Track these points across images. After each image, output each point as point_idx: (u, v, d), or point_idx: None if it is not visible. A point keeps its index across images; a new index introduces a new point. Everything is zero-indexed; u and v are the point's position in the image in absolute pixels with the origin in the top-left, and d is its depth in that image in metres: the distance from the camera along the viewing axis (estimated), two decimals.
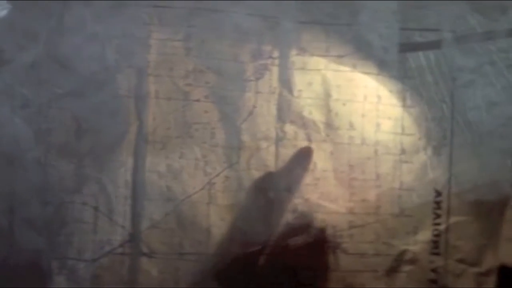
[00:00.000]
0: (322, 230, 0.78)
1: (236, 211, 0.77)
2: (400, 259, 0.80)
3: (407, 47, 0.79)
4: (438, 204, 0.80)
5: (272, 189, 0.78)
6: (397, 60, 0.80)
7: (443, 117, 0.80)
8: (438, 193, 0.80)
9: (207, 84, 0.77)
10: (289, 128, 0.79)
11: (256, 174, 0.78)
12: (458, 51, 0.80)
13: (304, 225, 0.78)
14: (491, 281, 0.80)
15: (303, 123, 0.78)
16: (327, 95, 0.79)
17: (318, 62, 0.79)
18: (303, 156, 0.78)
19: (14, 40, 0.74)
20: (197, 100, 0.77)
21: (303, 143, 0.79)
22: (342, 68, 0.79)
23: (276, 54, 0.78)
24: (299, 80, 0.79)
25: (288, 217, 0.78)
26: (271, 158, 0.78)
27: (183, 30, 0.77)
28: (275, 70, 0.78)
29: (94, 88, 0.75)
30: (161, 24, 0.76)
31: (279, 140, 0.78)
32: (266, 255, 0.77)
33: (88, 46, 0.75)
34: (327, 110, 0.79)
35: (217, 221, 0.77)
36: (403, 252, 0.80)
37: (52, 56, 0.74)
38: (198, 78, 0.77)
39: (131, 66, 0.76)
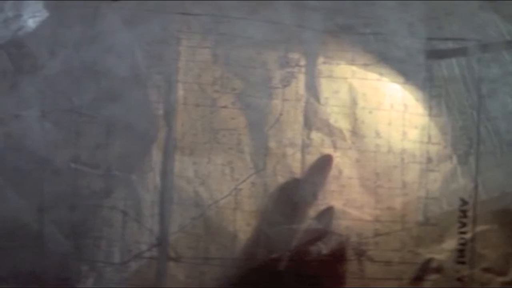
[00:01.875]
0: (344, 237, 0.78)
1: (261, 216, 0.78)
2: (425, 268, 0.80)
3: (433, 55, 0.79)
4: (464, 212, 0.80)
5: (296, 194, 0.78)
6: (423, 69, 0.80)
7: (469, 126, 0.80)
8: (464, 202, 0.80)
9: (234, 91, 0.78)
10: (315, 135, 0.79)
11: (282, 180, 0.78)
12: (484, 60, 0.80)
13: (325, 231, 0.78)
14: None
15: (329, 131, 0.79)
16: (354, 103, 0.80)
17: (345, 70, 0.80)
18: (324, 163, 0.79)
19: (46, 47, 0.76)
20: (225, 107, 0.78)
21: (329, 151, 0.79)
22: (368, 76, 0.80)
23: (303, 62, 0.79)
24: (325, 88, 0.79)
25: (310, 223, 0.78)
26: (297, 165, 0.79)
27: (211, 37, 0.78)
28: (302, 78, 0.79)
29: (124, 93, 0.77)
30: (190, 31, 0.78)
31: (305, 147, 0.79)
32: (290, 261, 0.77)
33: (119, 52, 0.76)
34: (353, 118, 0.80)
35: (243, 227, 0.78)
36: (429, 261, 0.80)
37: (82, 62, 0.76)
38: (225, 85, 0.78)
39: (160, 72, 0.77)
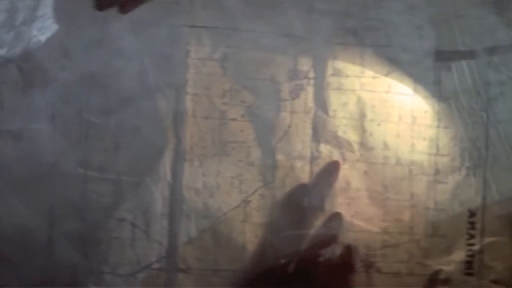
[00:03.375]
0: (350, 246, 0.79)
1: (268, 222, 0.78)
2: (434, 279, 0.80)
3: (442, 57, 0.80)
4: (472, 224, 0.80)
5: (304, 200, 0.78)
6: (432, 81, 0.80)
7: (477, 137, 0.80)
8: (472, 214, 0.80)
9: (243, 104, 0.78)
10: (324, 148, 0.80)
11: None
12: (493, 63, 0.80)
13: (332, 236, 0.78)
14: None
15: (338, 143, 0.79)
16: (362, 115, 0.80)
17: (353, 82, 0.80)
18: (332, 169, 0.79)
19: (56, 59, 0.76)
20: (234, 119, 0.78)
21: None
22: (377, 88, 0.80)
23: (312, 74, 0.80)
24: (334, 100, 0.80)
25: (318, 228, 0.78)
26: (305, 177, 0.79)
27: (220, 50, 0.78)
28: (310, 90, 0.80)
29: (132, 105, 0.77)
30: (199, 44, 0.78)
31: (313, 159, 0.79)
32: (297, 267, 0.77)
33: (128, 65, 0.77)
34: (362, 130, 0.80)
35: (252, 239, 0.78)
36: (437, 272, 0.80)
37: (91, 74, 0.76)
38: (234, 98, 0.78)
39: (169, 84, 0.78)
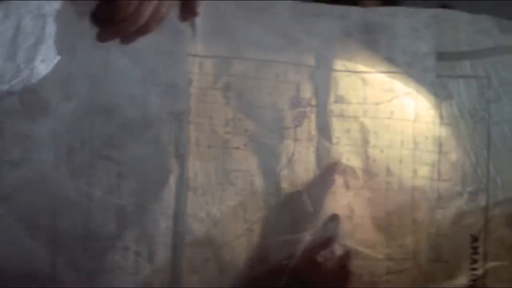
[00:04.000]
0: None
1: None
2: None
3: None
4: (474, 249, 0.80)
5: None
6: (433, 107, 0.81)
7: (478, 162, 0.80)
8: (475, 238, 0.81)
9: (246, 132, 0.79)
10: None
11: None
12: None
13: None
14: None
15: (342, 170, 0.79)
16: (365, 141, 0.80)
17: (356, 109, 0.80)
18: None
19: (59, 90, 0.75)
20: (237, 148, 0.78)
21: (342, 190, 0.80)
22: (379, 115, 0.80)
23: (314, 101, 0.80)
24: (337, 127, 0.80)
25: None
26: (309, 205, 0.79)
27: (222, 79, 0.78)
28: (313, 117, 0.80)
29: (136, 135, 0.77)
30: (201, 73, 0.78)
31: None
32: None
33: (130, 93, 0.77)
34: (365, 156, 0.80)
35: None
36: None
37: (94, 104, 0.76)
38: (237, 126, 0.78)
39: (172, 113, 0.77)
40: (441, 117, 0.81)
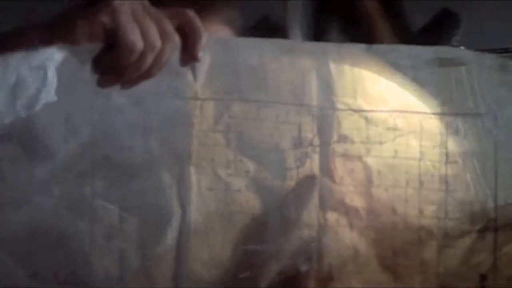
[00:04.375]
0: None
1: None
2: None
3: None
4: None
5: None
6: (438, 144, 0.80)
7: (486, 200, 0.79)
8: (483, 277, 0.79)
9: (248, 174, 0.78)
10: (331, 216, 0.79)
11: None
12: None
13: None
14: None
15: (345, 210, 0.79)
16: (369, 181, 0.79)
17: (359, 148, 0.80)
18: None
19: (59, 133, 0.75)
20: (238, 190, 0.78)
21: (345, 230, 0.79)
22: (383, 154, 0.80)
23: (317, 141, 0.79)
24: (340, 167, 0.79)
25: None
26: (313, 245, 0.78)
27: (223, 120, 0.78)
28: (316, 157, 0.79)
29: (137, 178, 0.77)
30: (202, 115, 0.78)
31: (321, 227, 0.78)
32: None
33: (131, 137, 0.77)
34: (369, 196, 0.79)
35: None
36: None
37: (95, 146, 0.76)
38: (238, 168, 0.78)
39: (174, 156, 0.77)
40: (447, 155, 0.80)
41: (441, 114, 0.80)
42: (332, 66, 0.80)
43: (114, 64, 0.71)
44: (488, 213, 0.80)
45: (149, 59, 0.72)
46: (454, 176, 0.80)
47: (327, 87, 0.80)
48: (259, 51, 0.80)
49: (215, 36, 0.89)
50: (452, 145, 0.80)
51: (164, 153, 0.77)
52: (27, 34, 0.73)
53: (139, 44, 0.71)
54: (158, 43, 0.72)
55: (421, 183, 0.79)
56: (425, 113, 0.80)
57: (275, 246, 0.78)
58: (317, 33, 2.51)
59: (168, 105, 0.77)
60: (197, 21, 0.75)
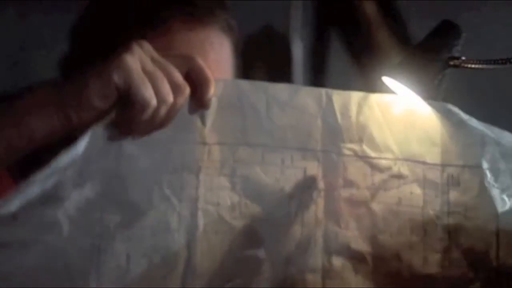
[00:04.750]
0: None
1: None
2: None
3: None
4: None
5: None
6: (440, 194, 0.81)
7: (489, 249, 0.80)
8: None
9: (253, 218, 0.78)
10: (336, 260, 0.79)
11: None
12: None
13: None
14: None
15: (350, 255, 0.79)
16: (374, 227, 0.80)
17: (365, 194, 0.80)
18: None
19: (73, 179, 0.75)
20: (244, 234, 0.78)
21: (350, 275, 0.79)
22: (388, 200, 0.80)
23: (322, 185, 0.79)
24: (345, 212, 0.79)
25: None
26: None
27: (228, 165, 0.79)
28: (321, 202, 0.79)
29: (145, 221, 0.77)
30: (209, 160, 0.78)
31: (325, 272, 0.78)
32: None
33: (141, 182, 0.77)
34: (375, 242, 0.79)
35: None
36: None
37: (106, 191, 0.76)
38: (243, 212, 0.78)
39: (181, 201, 0.77)
40: (448, 204, 0.81)
41: (443, 165, 0.81)
42: (338, 111, 0.81)
43: (127, 121, 0.72)
44: (491, 261, 0.80)
45: (162, 113, 0.73)
46: (457, 226, 0.80)
47: (333, 132, 0.81)
48: (266, 95, 0.80)
49: (221, 72, 0.89)
50: (454, 195, 0.81)
51: (172, 196, 0.77)
52: (38, 94, 0.73)
53: (153, 102, 0.72)
54: (170, 97, 0.73)
55: (425, 231, 0.80)
56: (427, 163, 0.81)
57: None
58: (318, 41, 2.51)
59: (176, 150, 0.78)
60: (205, 68, 0.76)
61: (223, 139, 0.79)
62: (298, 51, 2.57)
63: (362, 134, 0.81)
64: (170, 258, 0.77)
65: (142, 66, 0.73)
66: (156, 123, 0.74)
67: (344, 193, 0.80)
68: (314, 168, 0.80)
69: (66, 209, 0.75)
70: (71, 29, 0.97)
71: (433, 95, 0.93)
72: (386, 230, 0.79)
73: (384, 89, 0.98)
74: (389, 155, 0.81)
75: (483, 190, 0.81)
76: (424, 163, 0.81)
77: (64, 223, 0.75)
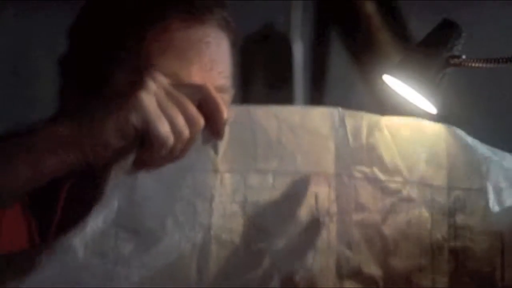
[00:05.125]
0: None
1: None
2: None
3: None
4: None
5: None
6: (447, 217, 0.81)
7: (495, 270, 0.81)
8: None
9: (265, 244, 0.78)
10: (348, 284, 0.79)
11: None
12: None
13: None
14: None
15: (362, 279, 0.79)
16: (385, 250, 0.80)
17: (376, 217, 0.80)
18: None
19: None
20: (256, 260, 0.78)
21: None
22: (398, 224, 0.80)
23: (334, 210, 0.80)
24: (357, 235, 0.80)
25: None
26: None
27: (240, 191, 0.79)
28: (333, 226, 0.80)
29: (159, 246, 0.77)
30: (222, 187, 0.78)
31: None
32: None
33: (155, 210, 0.77)
34: (385, 265, 0.80)
35: None
36: None
37: (120, 219, 0.76)
38: (256, 238, 0.78)
39: (194, 228, 0.78)
40: (455, 227, 0.81)
41: (449, 188, 0.81)
42: (350, 133, 0.81)
43: (144, 157, 0.74)
44: (497, 282, 0.81)
45: (178, 148, 0.74)
46: (464, 248, 0.81)
47: (345, 155, 0.81)
48: (278, 120, 0.80)
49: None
50: (460, 218, 0.81)
51: (185, 223, 0.77)
52: (55, 131, 0.74)
53: (170, 139, 0.73)
54: (186, 132, 0.74)
55: (433, 253, 0.80)
56: (434, 186, 0.81)
57: None
58: (318, 40, 2.51)
59: (190, 178, 0.78)
60: (217, 98, 0.77)
61: (235, 167, 0.79)
62: (299, 50, 2.57)
63: (372, 157, 0.81)
64: (183, 284, 0.77)
65: (157, 102, 0.73)
66: (171, 157, 0.75)
67: (356, 216, 0.80)
68: (326, 192, 0.80)
69: (82, 235, 0.75)
70: (70, 27, 0.97)
71: (433, 94, 0.93)
72: (396, 253, 0.80)
73: (384, 88, 0.99)
74: (399, 178, 0.81)
75: (488, 213, 0.81)
76: (431, 186, 0.81)
77: (79, 248, 0.75)
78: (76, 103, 0.90)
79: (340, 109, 0.81)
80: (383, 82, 0.98)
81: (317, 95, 2.39)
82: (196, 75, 0.88)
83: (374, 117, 0.82)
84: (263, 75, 2.38)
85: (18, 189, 0.76)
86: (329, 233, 0.79)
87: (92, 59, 0.92)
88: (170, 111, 0.73)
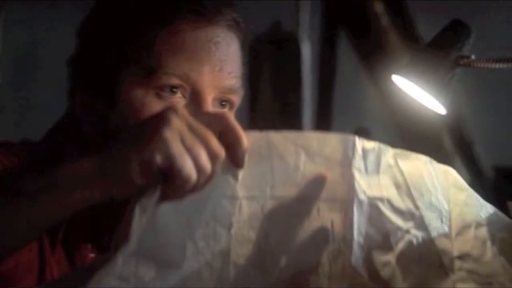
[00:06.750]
0: None
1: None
2: None
3: None
4: None
5: None
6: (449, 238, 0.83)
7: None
8: None
9: (281, 270, 0.79)
10: None
11: None
12: None
13: None
14: None
15: None
16: (397, 278, 0.81)
17: (389, 245, 0.81)
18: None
19: None
20: (274, 285, 0.79)
21: None
22: (405, 248, 0.81)
23: (349, 236, 0.80)
24: (373, 261, 0.80)
25: None
26: None
27: (257, 218, 0.79)
28: (348, 252, 0.80)
29: (179, 272, 0.77)
30: (240, 214, 0.78)
31: None
32: None
33: (175, 239, 0.77)
34: None
35: None
36: None
37: (140, 249, 0.75)
38: (272, 264, 0.79)
39: (213, 254, 0.78)
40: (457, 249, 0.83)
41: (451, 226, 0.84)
42: (366, 161, 0.81)
43: (166, 191, 0.74)
44: None
45: (201, 183, 0.74)
46: (467, 269, 0.83)
47: (361, 182, 0.81)
48: (295, 146, 0.80)
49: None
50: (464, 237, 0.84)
51: (205, 249, 0.77)
52: (79, 167, 0.75)
53: (193, 176, 0.73)
54: (209, 167, 0.74)
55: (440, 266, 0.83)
56: (442, 219, 0.83)
57: None
58: (327, 41, 2.51)
59: (210, 205, 0.78)
60: (238, 127, 0.76)
61: (252, 193, 0.79)
62: (307, 51, 2.57)
63: (386, 185, 0.81)
64: None
65: (181, 138, 0.73)
66: (193, 190, 0.75)
67: (372, 243, 0.80)
68: (341, 218, 0.80)
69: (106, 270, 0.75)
70: (80, 27, 0.97)
71: (442, 94, 0.93)
72: (406, 279, 0.81)
73: (393, 88, 0.98)
74: (411, 206, 0.82)
75: (491, 231, 0.84)
76: (440, 218, 0.83)
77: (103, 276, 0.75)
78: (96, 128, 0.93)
79: (356, 137, 0.81)
80: (392, 82, 0.98)
81: (325, 95, 2.39)
82: (206, 76, 0.89)
83: (388, 148, 0.82)
84: (271, 75, 2.38)
85: (42, 225, 0.77)
86: (345, 261, 0.80)
87: (102, 60, 0.92)
88: (193, 147, 0.72)
